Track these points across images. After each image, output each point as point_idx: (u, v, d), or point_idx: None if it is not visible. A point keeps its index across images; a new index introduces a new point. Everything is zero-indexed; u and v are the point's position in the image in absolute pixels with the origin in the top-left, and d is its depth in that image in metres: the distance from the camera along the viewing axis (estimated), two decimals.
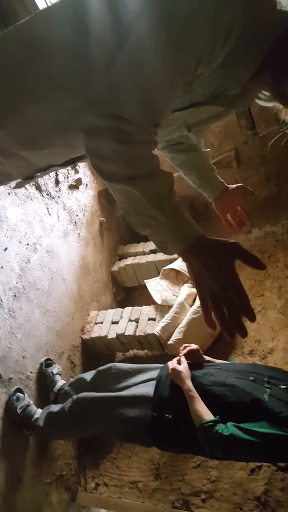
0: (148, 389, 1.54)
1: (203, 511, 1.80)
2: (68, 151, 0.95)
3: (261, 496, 1.73)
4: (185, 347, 1.58)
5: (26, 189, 2.23)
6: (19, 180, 1.07)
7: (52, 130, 0.87)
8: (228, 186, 1.25)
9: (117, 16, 0.68)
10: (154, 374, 1.64)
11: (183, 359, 1.53)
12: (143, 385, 1.61)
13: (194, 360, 1.56)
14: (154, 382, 1.57)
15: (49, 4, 1.47)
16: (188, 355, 1.56)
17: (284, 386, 1.33)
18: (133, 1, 0.65)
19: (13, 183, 1.13)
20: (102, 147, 0.72)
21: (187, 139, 1.13)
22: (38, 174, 1.05)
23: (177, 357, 1.55)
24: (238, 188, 1.24)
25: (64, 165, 1.03)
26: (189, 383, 1.39)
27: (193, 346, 1.58)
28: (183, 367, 1.47)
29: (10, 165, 0.96)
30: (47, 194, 2.43)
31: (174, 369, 1.47)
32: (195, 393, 1.34)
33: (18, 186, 1.11)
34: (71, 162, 1.03)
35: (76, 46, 0.74)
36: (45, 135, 0.89)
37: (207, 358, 1.62)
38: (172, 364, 1.50)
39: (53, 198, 2.47)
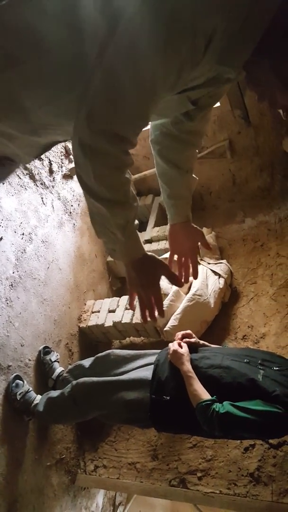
0: (146, 373, 1.59)
1: (199, 488, 1.88)
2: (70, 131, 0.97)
3: (254, 472, 1.81)
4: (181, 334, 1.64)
5: (20, 178, 2.23)
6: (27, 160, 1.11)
7: (53, 123, 0.89)
8: (191, 222, 1.18)
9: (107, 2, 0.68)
10: (152, 359, 1.69)
11: (183, 343, 1.58)
12: (141, 369, 1.66)
13: (190, 344, 1.60)
14: (152, 366, 1.62)
15: None
16: (183, 339, 1.61)
17: (276, 368, 1.39)
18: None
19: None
20: (91, 167, 0.77)
21: (189, 126, 1.03)
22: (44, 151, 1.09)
23: (178, 341, 1.60)
24: (198, 230, 1.19)
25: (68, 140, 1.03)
26: (188, 365, 1.44)
27: (188, 331, 1.63)
28: (184, 350, 1.52)
29: (17, 147, 0.99)
30: (41, 184, 2.43)
31: (175, 351, 1.51)
32: (193, 374, 1.39)
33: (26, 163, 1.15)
34: None
35: (68, 34, 0.73)
36: (46, 127, 0.91)
37: (202, 342, 1.67)
38: (174, 346, 1.54)
39: (47, 187, 2.47)
